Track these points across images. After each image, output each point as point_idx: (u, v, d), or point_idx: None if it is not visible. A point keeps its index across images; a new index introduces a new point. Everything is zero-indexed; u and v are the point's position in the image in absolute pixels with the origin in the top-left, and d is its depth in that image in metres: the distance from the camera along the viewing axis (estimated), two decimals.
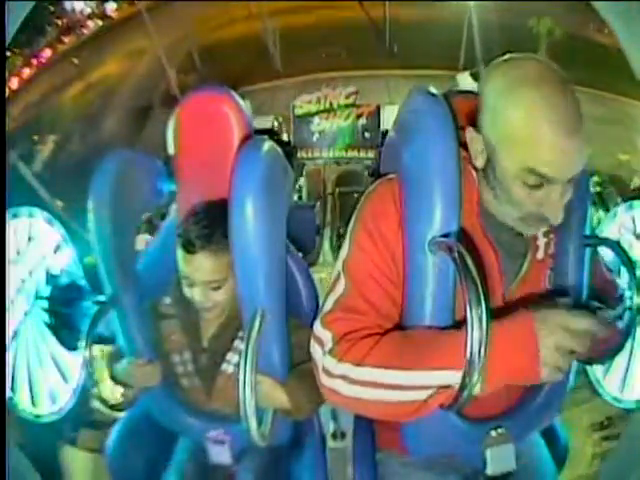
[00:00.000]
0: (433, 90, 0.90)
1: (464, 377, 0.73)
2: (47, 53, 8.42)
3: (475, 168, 0.88)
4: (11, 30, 1.16)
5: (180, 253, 1.06)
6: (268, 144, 1.06)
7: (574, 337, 0.73)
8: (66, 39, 8.68)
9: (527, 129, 0.75)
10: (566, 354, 0.74)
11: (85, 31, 8.93)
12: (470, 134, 0.84)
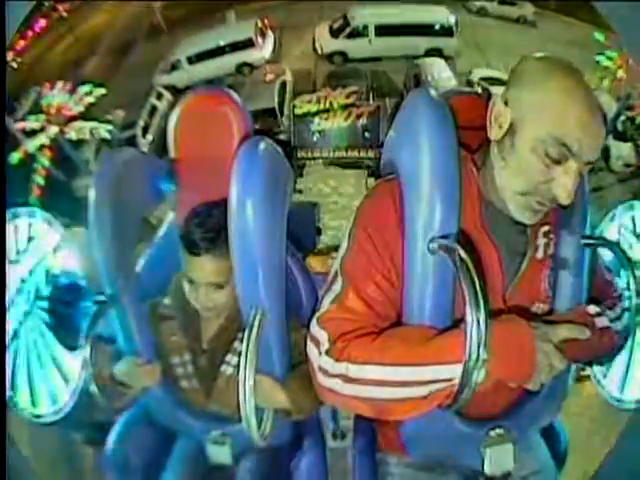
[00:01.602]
0: (432, 91, 0.90)
1: (463, 377, 0.73)
2: (42, 23, 8.54)
3: (476, 165, 0.88)
4: (11, 30, 1.16)
5: (184, 254, 1.06)
6: (267, 143, 1.06)
7: (557, 350, 0.79)
8: (60, 7, 8.85)
9: (564, 101, 0.78)
10: (549, 366, 0.79)
11: None
12: (497, 103, 0.85)
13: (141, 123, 8.32)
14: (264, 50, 9.57)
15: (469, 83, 8.47)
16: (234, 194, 0.98)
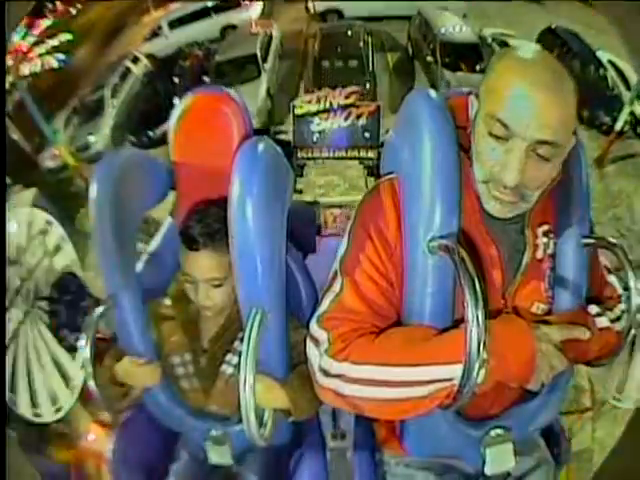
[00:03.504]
0: (432, 91, 0.90)
1: (463, 377, 0.73)
2: (41, 25, 8.51)
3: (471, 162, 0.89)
4: (11, 30, 1.16)
5: (182, 250, 1.06)
6: (267, 143, 1.06)
7: (557, 351, 0.81)
8: (61, 7, 8.83)
9: (503, 80, 0.79)
10: (548, 366, 0.80)
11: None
12: (471, 99, 0.87)
13: (111, 84, 8.04)
14: (251, 10, 8.95)
15: (481, 39, 8.25)
16: (234, 194, 0.98)
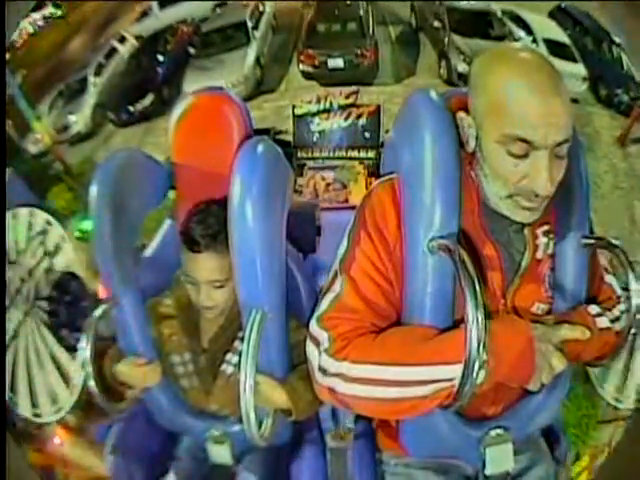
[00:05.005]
0: (432, 91, 0.90)
1: (463, 376, 0.73)
2: (39, 19, 8.44)
3: (474, 165, 0.88)
4: (11, 30, 1.16)
5: (184, 252, 1.06)
6: (267, 144, 1.06)
7: (557, 351, 0.81)
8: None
9: (506, 94, 0.77)
10: (548, 366, 0.80)
11: None
12: (460, 116, 0.85)
13: (95, 63, 7.98)
14: None
15: (490, 13, 8.04)
16: (234, 195, 0.98)
